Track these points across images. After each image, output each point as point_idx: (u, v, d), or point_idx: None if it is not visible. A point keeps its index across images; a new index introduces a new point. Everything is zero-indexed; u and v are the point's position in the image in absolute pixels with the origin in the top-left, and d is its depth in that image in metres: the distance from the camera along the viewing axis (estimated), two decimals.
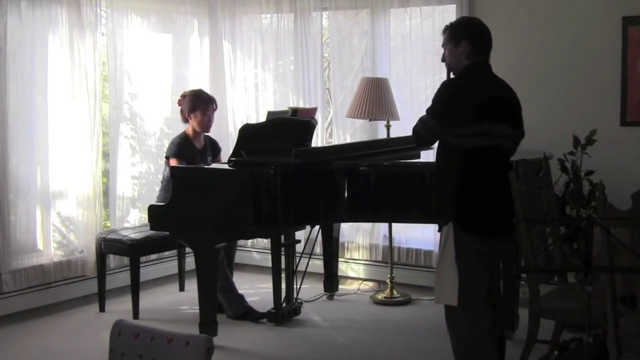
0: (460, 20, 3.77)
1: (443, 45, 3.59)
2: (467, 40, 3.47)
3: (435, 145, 3.64)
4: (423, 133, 3.50)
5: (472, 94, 3.42)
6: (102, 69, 5.70)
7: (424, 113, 3.52)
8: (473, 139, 3.39)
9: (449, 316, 3.52)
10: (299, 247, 5.25)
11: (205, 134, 5.30)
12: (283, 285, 4.98)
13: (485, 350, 3.48)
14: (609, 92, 4.97)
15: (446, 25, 3.65)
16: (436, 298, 3.57)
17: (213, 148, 5.38)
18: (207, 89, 6.32)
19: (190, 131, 5.21)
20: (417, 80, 5.76)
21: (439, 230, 3.58)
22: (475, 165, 3.43)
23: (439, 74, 5.39)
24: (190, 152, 5.15)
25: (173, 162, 5.05)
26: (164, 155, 5.29)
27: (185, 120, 5.24)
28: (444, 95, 3.45)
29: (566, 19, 5.15)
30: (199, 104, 5.15)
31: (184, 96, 5.25)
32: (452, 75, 3.62)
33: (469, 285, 3.40)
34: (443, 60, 3.61)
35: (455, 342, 3.54)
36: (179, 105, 5.27)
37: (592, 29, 5.04)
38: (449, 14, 5.50)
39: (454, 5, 5.42)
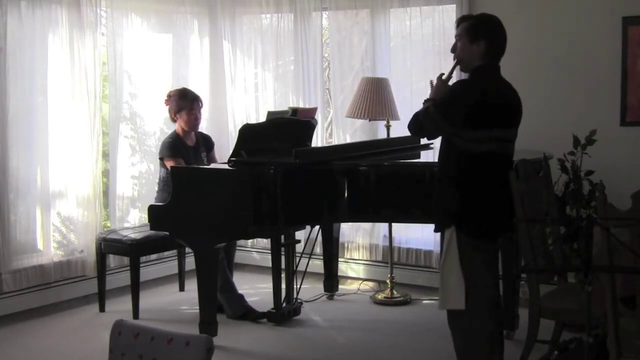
0: (482, 17, 3.54)
1: (457, 36, 3.48)
2: (485, 40, 3.40)
3: (436, 146, 3.64)
4: (426, 126, 3.43)
5: (485, 99, 3.36)
6: (102, 69, 5.70)
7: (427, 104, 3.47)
8: (483, 145, 3.37)
9: (453, 320, 3.50)
10: (299, 247, 5.25)
11: (196, 131, 5.31)
12: (283, 285, 4.98)
13: (490, 352, 3.49)
14: (609, 92, 4.97)
15: (464, 16, 3.58)
16: (441, 303, 3.46)
17: (206, 144, 5.38)
18: (207, 89, 6.34)
19: (179, 130, 5.22)
20: (417, 80, 5.75)
21: (436, 231, 3.59)
22: (481, 169, 3.41)
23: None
24: (183, 150, 5.16)
25: (169, 162, 5.04)
26: (158, 156, 5.29)
27: (173, 120, 5.26)
28: (458, 97, 3.38)
29: (566, 19, 5.15)
30: (184, 105, 5.17)
31: (169, 96, 5.26)
32: (457, 68, 3.59)
33: (474, 288, 3.39)
34: (453, 50, 3.51)
35: (458, 345, 3.53)
36: (166, 105, 5.27)
37: (592, 29, 5.04)
38: (449, 14, 5.51)
39: (454, 5, 5.43)
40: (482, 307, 3.43)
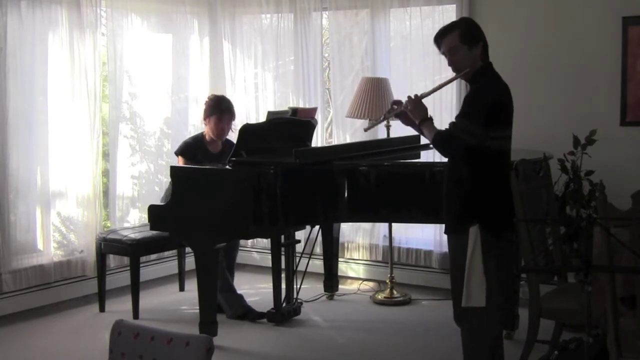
0: (466, 21, 3.62)
1: (450, 50, 3.44)
2: (481, 41, 3.45)
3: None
4: (462, 138, 3.35)
5: (503, 97, 3.44)
6: (102, 69, 5.71)
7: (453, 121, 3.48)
8: (504, 142, 3.47)
9: (464, 318, 3.51)
10: (299, 247, 5.25)
11: (221, 140, 5.24)
12: (283, 285, 4.98)
13: (499, 348, 3.53)
14: (609, 92, 4.97)
15: (443, 30, 3.51)
16: (465, 300, 3.44)
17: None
18: (207, 89, 6.34)
19: (207, 133, 5.21)
20: (417, 80, 5.74)
21: (446, 233, 3.60)
22: (496, 167, 3.47)
23: (439, 74, 5.39)
24: (201, 153, 5.10)
25: (179, 160, 5.04)
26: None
27: (205, 122, 5.23)
28: (481, 100, 3.39)
29: (566, 19, 5.15)
30: (214, 111, 5.13)
31: (209, 99, 5.24)
32: (451, 77, 3.62)
33: (494, 285, 3.42)
34: (451, 64, 3.48)
35: (467, 343, 3.54)
36: (205, 105, 5.25)
37: (592, 29, 5.04)
38: (449, 14, 5.50)
39: (454, 5, 5.43)
40: (493, 306, 3.44)
